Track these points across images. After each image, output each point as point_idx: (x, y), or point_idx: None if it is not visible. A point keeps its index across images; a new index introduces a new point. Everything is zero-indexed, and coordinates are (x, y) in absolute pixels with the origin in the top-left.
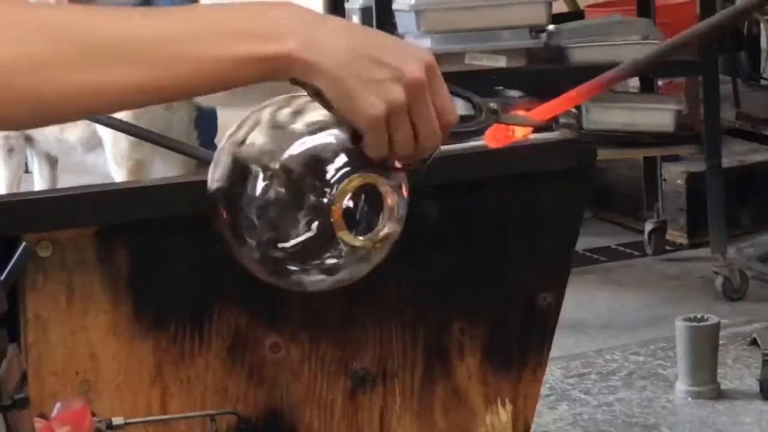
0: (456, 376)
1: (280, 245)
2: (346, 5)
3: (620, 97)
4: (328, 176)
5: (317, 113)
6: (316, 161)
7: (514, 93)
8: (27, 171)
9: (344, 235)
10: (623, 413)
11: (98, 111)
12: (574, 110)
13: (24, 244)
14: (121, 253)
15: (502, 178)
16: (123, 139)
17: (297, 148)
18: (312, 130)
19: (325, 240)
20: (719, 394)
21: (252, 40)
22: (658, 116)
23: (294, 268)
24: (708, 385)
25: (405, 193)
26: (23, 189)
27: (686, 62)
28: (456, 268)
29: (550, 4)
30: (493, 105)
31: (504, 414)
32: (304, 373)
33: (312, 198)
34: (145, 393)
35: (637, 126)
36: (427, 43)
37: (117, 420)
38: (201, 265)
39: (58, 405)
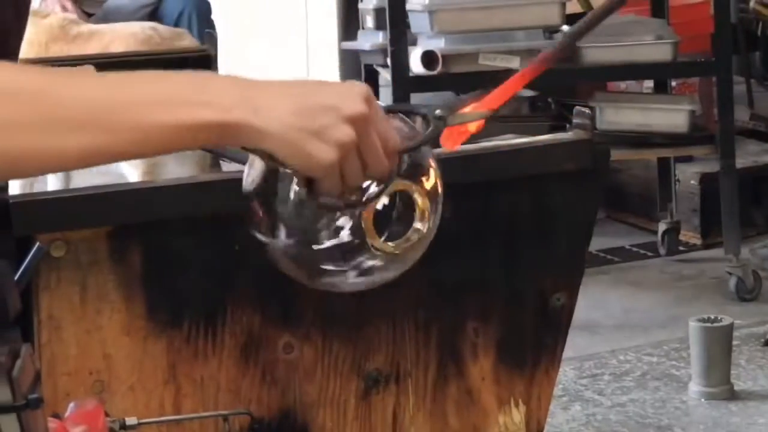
0: (469, 376)
1: (313, 247)
2: (360, 6)
3: (634, 98)
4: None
5: None
6: None
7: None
8: None
9: (375, 242)
10: (636, 414)
11: (41, 173)
12: (588, 111)
13: (37, 244)
14: (135, 252)
15: (516, 179)
16: None
17: None
18: None
19: (358, 243)
20: (733, 395)
21: (197, 109)
22: (671, 117)
23: (328, 269)
24: (721, 385)
25: (439, 194)
26: (36, 189)
27: (700, 63)
28: (469, 268)
29: (563, 5)
30: (438, 112)
31: (517, 414)
32: (317, 373)
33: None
34: (158, 393)
35: (651, 126)
36: (440, 43)
37: (130, 420)
38: (214, 265)
39: (71, 405)
